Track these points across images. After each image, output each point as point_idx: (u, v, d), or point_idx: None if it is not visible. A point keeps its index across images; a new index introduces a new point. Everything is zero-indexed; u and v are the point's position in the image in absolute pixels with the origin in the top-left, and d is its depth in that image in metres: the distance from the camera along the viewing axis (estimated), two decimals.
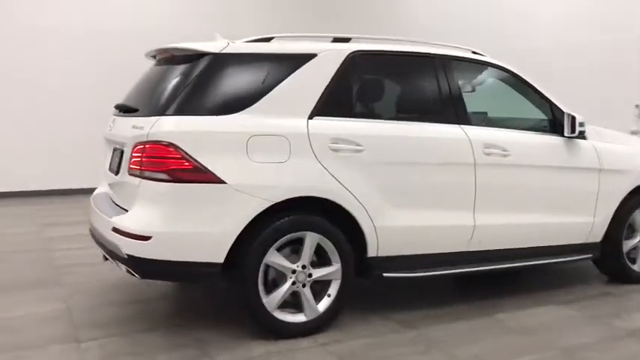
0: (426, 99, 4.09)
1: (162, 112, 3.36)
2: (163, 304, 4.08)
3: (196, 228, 3.26)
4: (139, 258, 3.26)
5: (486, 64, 4.30)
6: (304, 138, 3.48)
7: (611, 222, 4.55)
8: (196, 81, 3.41)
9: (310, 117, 3.55)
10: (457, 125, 3.97)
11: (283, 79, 3.55)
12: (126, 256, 3.29)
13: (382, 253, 3.74)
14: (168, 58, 3.83)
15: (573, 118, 4.22)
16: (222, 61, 3.49)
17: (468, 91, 4.59)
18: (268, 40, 3.74)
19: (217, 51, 3.49)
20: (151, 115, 3.39)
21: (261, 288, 3.42)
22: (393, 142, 3.75)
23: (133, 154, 3.37)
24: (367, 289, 4.36)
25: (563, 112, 4.28)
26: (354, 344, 3.46)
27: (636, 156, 4.69)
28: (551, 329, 3.75)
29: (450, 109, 4.02)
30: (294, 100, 3.56)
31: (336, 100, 3.68)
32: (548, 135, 4.31)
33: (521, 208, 4.17)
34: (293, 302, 3.56)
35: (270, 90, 3.51)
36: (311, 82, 3.62)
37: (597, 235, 4.52)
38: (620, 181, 4.54)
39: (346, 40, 3.94)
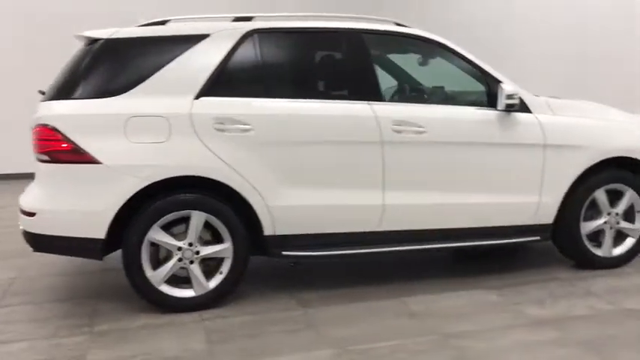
0: (329, 76, 3.99)
1: (55, 96, 3.59)
2: (91, 277, 4.31)
3: (74, 206, 3.47)
4: (29, 232, 3.56)
5: (408, 36, 4.06)
6: (185, 118, 3.55)
7: (566, 202, 4.18)
8: (85, 66, 3.59)
9: (197, 97, 3.61)
10: (364, 102, 3.83)
11: (171, 61, 3.63)
12: (22, 231, 3.59)
13: (279, 232, 3.74)
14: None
15: (502, 90, 3.91)
16: (111, 46, 3.63)
17: (422, 65, 4.42)
18: (164, 22, 3.83)
19: (107, 36, 3.64)
20: (48, 100, 3.62)
21: (146, 263, 3.56)
22: (286, 121, 3.70)
23: (32, 137, 3.63)
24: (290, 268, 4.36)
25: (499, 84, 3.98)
26: (234, 321, 3.52)
27: (597, 130, 4.24)
28: (451, 315, 3.56)
29: (357, 85, 3.88)
30: (181, 81, 3.62)
31: (228, 80, 3.70)
32: (480, 109, 4.02)
33: (444, 186, 3.95)
34: (187, 278, 3.67)
35: (156, 72, 3.60)
36: (201, 62, 3.67)
37: (547, 216, 4.16)
38: (573, 157, 4.13)
39: (248, 19, 3.93)
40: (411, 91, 4.34)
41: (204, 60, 3.67)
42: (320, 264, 4.42)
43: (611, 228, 4.31)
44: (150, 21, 3.81)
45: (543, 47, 10.18)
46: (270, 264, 4.23)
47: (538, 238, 4.19)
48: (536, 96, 4.25)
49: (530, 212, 4.12)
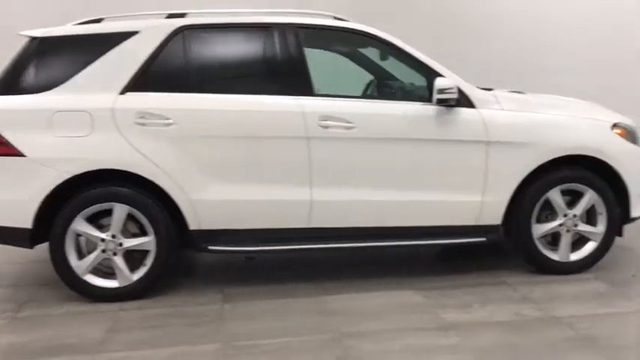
0: (258, 71, 3.97)
1: None
2: (31, 266, 4.44)
3: (2, 196, 3.64)
4: None
5: (346, 30, 3.97)
6: (108, 113, 3.64)
7: (516, 202, 3.96)
8: (21, 63, 3.76)
9: (122, 92, 3.70)
10: (292, 97, 3.78)
11: (100, 58, 3.74)
12: None
13: (205, 227, 3.77)
14: None
15: (435, 84, 3.75)
16: (45, 44, 3.77)
17: (384, 60, 4.33)
18: (99, 20, 3.94)
19: (41, 35, 3.79)
20: None
21: (71, 253, 3.68)
22: (209, 116, 3.72)
23: None
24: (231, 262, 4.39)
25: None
26: (148, 312, 3.59)
27: (548, 126, 3.97)
28: (364, 314, 3.47)
29: (286, 80, 3.84)
30: (107, 77, 3.72)
31: (155, 76, 3.76)
32: (415, 104, 3.88)
33: (375, 184, 3.84)
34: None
35: (85, 68, 3.72)
36: (128, 58, 3.75)
37: (493, 217, 3.96)
38: (520, 155, 3.91)
39: (181, 15, 3.97)
40: (344, 86, 4.23)
41: (131, 56, 3.75)
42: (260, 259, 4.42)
43: (567, 231, 4.04)
44: (85, 19, 3.94)
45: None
46: (215, 258, 4.28)
47: (484, 239, 3.99)
48: (487, 89, 4.05)
49: (474, 212, 3.93)
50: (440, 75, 3.84)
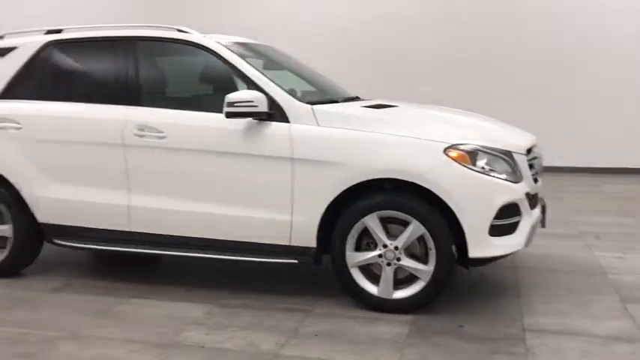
0: (99, 80, 4.21)
1: None
2: None
3: None
4: None
5: (179, 42, 4.04)
6: None
7: (329, 226, 3.66)
8: None
9: None
10: (120, 106, 4.01)
11: None
12: None
13: (49, 221, 4.22)
14: None
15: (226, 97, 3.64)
16: None
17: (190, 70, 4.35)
18: (1, 37, 4.59)
19: None
20: None
21: None
22: (47, 121, 4.16)
23: None
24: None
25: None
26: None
27: (361, 147, 3.55)
28: (128, 320, 3.58)
29: (116, 89, 4.07)
30: None
31: (19, 86, 4.31)
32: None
33: (184, 194, 3.88)
34: None
35: None
36: (4, 70, 4.36)
37: (305, 239, 3.69)
38: (326, 175, 3.58)
39: (58, 31, 4.42)
40: (166, 96, 4.24)
41: (7, 68, 4.35)
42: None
43: (389, 264, 3.58)
44: None
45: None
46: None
47: (295, 261, 3.75)
48: (312, 103, 3.77)
49: (284, 232, 3.72)
50: (259, 88, 3.73)
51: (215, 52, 3.92)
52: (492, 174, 3.49)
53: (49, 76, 4.33)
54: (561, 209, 6.44)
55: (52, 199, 4.16)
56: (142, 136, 3.91)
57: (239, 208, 3.79)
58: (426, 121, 3.85)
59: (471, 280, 4.22)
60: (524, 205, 3.61)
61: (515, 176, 3.60)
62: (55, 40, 4.31)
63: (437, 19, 9.42)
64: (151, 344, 3.24)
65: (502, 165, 3.57)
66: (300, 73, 4.71)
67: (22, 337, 3.35)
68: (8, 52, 4.38)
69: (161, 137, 3.87)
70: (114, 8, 9.93)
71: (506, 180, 3.52)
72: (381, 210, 3.55)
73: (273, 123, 3.69)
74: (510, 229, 3.56)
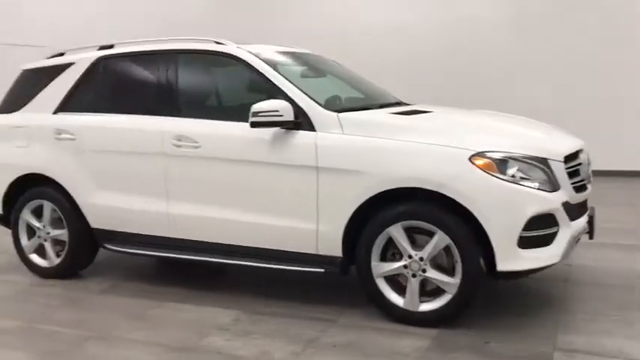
0: (143, 92, 4.38)
1: None
2: None
3: None
4: None
5: (216, 54, 4.13)
6: (41, 129, 4.61)
7: (353, 236, 3.62)
8: (11, 90, 4.99)
9: (55, 112, 4.63)
10: (158, 117, 4.17)
11: (50, 84, 4.73)
12: None
13: (98, 226, 4.46)
14: None
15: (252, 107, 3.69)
16: (24, 74, 4.94)
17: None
18: (62, 54, 4.90)
19: (23, 68, 4.96)
20: None
21: (23, 237, 4.78)
22: (98, 133, 4.38)
23: None
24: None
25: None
26: (39, 289, 4.47)
27: (384, 155, 3.47)
28: (155, 322, 3.71)
29: (158, 101, 4.23)
30: (48, 100, 4.68)
31: (76, 99, 4.59)
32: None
33: (219, 201, 3.96)
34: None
35: (39, 93, 4.76)
36: (63, 85, 4.65)
37: (331, 248, 3.66)
38: (349, 184, 3.53)
39: (110, 47, 4.66)
40: (202, 106, 4.30)
41: (65, 83, 4.65)
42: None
43: (414, 276, 3.48)
44: (56, 53, 4.95)
45: None
46: None
47: (322, 270, 3.73)
48: (345, 110, 3.75)
49: (310, 240, 3.72)
50: (286, 96, 3.76)
51: (246, 62, 3.98)
52: (523, 183, 3.31)
53: (100, 89, 4.57)
54: (633, 217, 5.98)
55: (101, 205, 4.39)
56: (179, 146, 4.04)
57: (268, 217, 3.82)
58: (457, 128, 3.71)
59: (510, 294, 4.01)
60: (561, 216, 3.39)
61: (551, 185, 3.39)
62: (105, 56, 4.55)
63: (506, 20, 9.13)
64: (172, 348, 3.34)
65: (537, 173, 3.37)
66: (345, 80, 4.72)
67: (57, 336, 3.56)
68: (67, 68, 4.68)
69: (196, 147, 3.98)
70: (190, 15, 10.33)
71: (539, 189, 3.33)
72: (405, 220, 3.46)
73: (300, 132, 3.70)
74: (545, 240, 3.36)
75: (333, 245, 3.66)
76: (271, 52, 4.31)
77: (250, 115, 3.67)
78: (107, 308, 4.04)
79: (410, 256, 3.48)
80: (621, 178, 8.43)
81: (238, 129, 3.88)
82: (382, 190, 3.46)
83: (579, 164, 3.72)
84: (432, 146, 3.42)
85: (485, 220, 3.27)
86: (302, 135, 3.69)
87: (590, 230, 3.76)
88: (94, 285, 4.51)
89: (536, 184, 3.34)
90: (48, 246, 4.68)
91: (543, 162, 3.40)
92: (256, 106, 3.66)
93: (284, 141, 3.73)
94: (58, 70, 4.72)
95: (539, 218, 3.31)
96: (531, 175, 3.36)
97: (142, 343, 3.42)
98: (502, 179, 3.28)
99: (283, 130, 3.73)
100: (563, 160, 3.48)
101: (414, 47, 9.51)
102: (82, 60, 4.63)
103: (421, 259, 3.45)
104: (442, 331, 3.41)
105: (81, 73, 4.59)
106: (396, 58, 9.53)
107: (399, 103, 4.57)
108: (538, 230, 3.32)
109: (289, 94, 3.79)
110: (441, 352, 3.17)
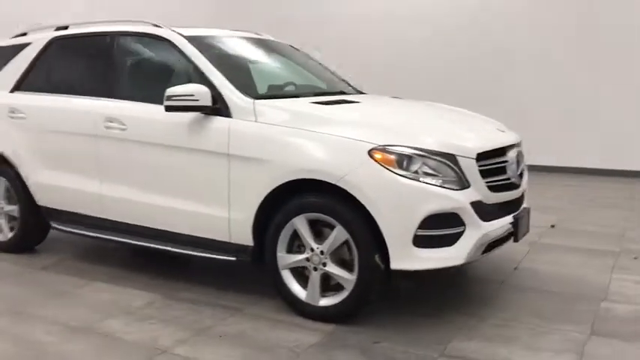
0: (85, 74, 4.44)
1: None
2: None
3: None
4: None
5: (150, 36, 4.13)
6: (2, 108, 4.74)
7: (261, 225, 3.56)
8: None
9: (11, 91, 4.75)
10: (96, 98, 4.21)
11: (8, 64, 4.85)
12: None
13: (45, 204, 4.57)
14: None
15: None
16: None
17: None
18: (25, 34, 5.00)
19: None
20: None
21: None
22: (44, 113, 4.48)
23: None
24: None
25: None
26: None
27: (290, 145, 3.39)
28: (76, 303, 3.78)
29: (97, 82, 4.27)
30: (6, 79, 4.81)
31: (29, 78, 4.70)
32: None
33: (143, 185, 3.98)
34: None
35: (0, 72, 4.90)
36: (20, 64, 4.77)
37: (242, 237, 3.61)
38: (257, 173, 3.47)
39: (65, 28, 4.72)
40: (134, 89, 4.27)
41: (22, 63, 4.76)
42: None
43: (315, 269, 3.40)
44: (19, 33, 5.06)
45: None
46: None
47: (234, 258, 3.69)
48: (261, 99, 3.68)
49: (223, 228, 3.68)
50: (207, 81, 3.72)
51: (175, 45, 3.96)
52: (425, 179, 3.16)
53: (51, 70, 4.66)
54: (620, 221, 5.65)
55: (46, 184, 4.49)
56: (109, 128, 4.07)
57: (185, 202, 3.81)
58: (372, 120, 3.55)
59: (432, 294, 3.87)
60: (468, 216, 3.23)
61: (459, 183, 3.23)
62: (58, 37, 4.63)
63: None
64: (68, 327, 3.38)
65: (443, 170, 3.22)
66: (299, 67, 4.68)
67: None
68: (25, 48, 4.79)
69: (123, 129, 4.01)
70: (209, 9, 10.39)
71: (442, 186, 3.18)
72: (308, 212, 3.38)
73: (217, 117, 3.66)
74: (446, 240, 3.20)
75: (244, 234, 3.61)
76: (212, 36, 4.27)
77: (164, 98, 3.64)
78: (38, 284, 4.14)
79: (312, 249, 3.39)
80: (634, 179, 8.03)
81: (162, 113, 3.86)
82: (286, 180, 3.39)
83: (505, 162, 3.53)
84: (335, 138, 3.32)
85: (380, 216, 3.15)
86: (217, 121, 3.65)
87: (515, 232, 3.57)
88: (39, 261, 4.64)
89: (440, 181, 3.19)
90: (2, 221, 4.83)
91: (450, 158, 3.24)
92: (170, 90, 3.63)
93: (201, 126, 3.69)
94: (17, 49, 4.84)
95: (439, 217, 3.16)
96: (438, 172, 3.20)
97: (44, 321, 3.48)
98: (399, 175, 3.15)
99: (202, 115, 3.70)
100: (474, 157, 3.30)
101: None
102: (38, 40, 4.73)
103: (322, 252, 3.36)
104: (338, 328, 3.32)
105: (36, 53, 4.69)
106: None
107: (342, 92, 4.45)
108: (438, 229, 3.17)
109: (211, 78, 3.75)
110: (324, 349, 3.09)
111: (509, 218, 3.53)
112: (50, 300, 3.82)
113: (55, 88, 4.55)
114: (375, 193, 3.16)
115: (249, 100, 3.63)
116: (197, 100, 3.60)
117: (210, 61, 3.85)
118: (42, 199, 4.56)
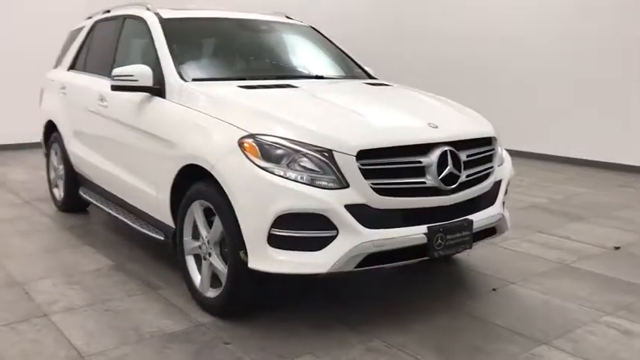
0: (102, 54, 4.75)
1: None
2: None
3: None
4: None
5: (134, 18, 4.36)
6: (55, 84, 5.39)
7: (172, 207, 3.55)
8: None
9: (68, 69, 5.37)
10: (100, 77, 4.56)
11: (72, 45, 5.48)
12: None
13: (78, 171, 5.10)
14: None
15: None
16: (69, 35, 5.76)
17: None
18: (108, 11, 5.48)
19: (71, 30, 5.77)
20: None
21: None
22: (72, 89, 4.99)
23: None
24: None
25: None
26: None
27: (193, 129, 3.30)
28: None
29: (104, 62, 4.62)
30: (67, 59, 5.44)
31: (79, 58, 5.25)
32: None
33: (113, 158, 4.26)
34: None
35: (67, 52, 5.55)
36: (76, 45, 5.35)
37: (166, 216, 3.64)
38: (169, 155, 3.45)
39: (108, 12, 5.12)
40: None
41: (77, 44, 5.34)
42: None
43: (204, 258, 3.30)
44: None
45: None
46: None
47: (162, 238, 3.73)
48: (197, 80, 3.65)
49: (153, 205, 3.76)
50: (157, 62, 3.81)
51: (147, 26, 4.09)
52: (289, 174, 2.84)
53: (89, 50, 5.14)
54: (622, 233, 4.37)
55: (74, 153, 5.00)
56: (100, 105, 4.39)
57: (134, 178, 3.95)
58: (271, 107, 3.24)
59: (336, 302, 3.46)
60: (341, 219, 2.83)
61: (337, 182, 2.85)
62: (98, 20, 5.09)
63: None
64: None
65: (321, 166, 2.87)
66: (293, 53, 4.54)
67: None
68: (81, 30, 5.35)
69: (106, 107, 4.29)
70: None
71: (309, 184, 2.83)
72: (200, 199, 3.27)
73: (156, 98, 3.72)
74: (311, 244, 2.85)
75: (166, 214, 3.63)
76: (198, 18, 4.32)
77: (111, 78, 3.80)
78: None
79: (203, 238, 3.29)
80: None
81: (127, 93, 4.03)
82: (183, 164, 3.32)
83: (417, 162, 3.00)
84: (221, 124, 3.15)
85: (237, 209, 2.93)
86: (155, 101, 3.72)
87: (429, 247, 3.01)
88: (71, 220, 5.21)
89: (310, 178, 2.84)
90: (60, 181, 5.48)
91: (326, 154, 2.86)
92: (116, 70, 3.77)
93: (143, 106, 3.79)
94: (77, 32, 5.43)
95: (299, 217, 2.82)
96: (312, 168, 2.87)
97: None
98: (259, 167, 2.88)
99: (148, 95, 3.79)
100: (354, 154, 2.86)
101: None
102: (87, 24, 5.25)
103: (208, 241, 3.24)
104: (214, 322, 3.18)
105: (85, 35, 5.21)
106: None
107: (320, 76, 4.17)
108: (298, 230, 2.84)
109: (160, 59, 3.81)
110: (168, 339, 2.97)
111: (420, 228, 2.99)
112: None
113: (87, 68, 5.03)
114: (234, 185, 2.94)
115: (181, 83, 3.61)
116: (136, 80, 3.69)
117: (169, 43, 3.89)
118: (75, 166, 5.09)
